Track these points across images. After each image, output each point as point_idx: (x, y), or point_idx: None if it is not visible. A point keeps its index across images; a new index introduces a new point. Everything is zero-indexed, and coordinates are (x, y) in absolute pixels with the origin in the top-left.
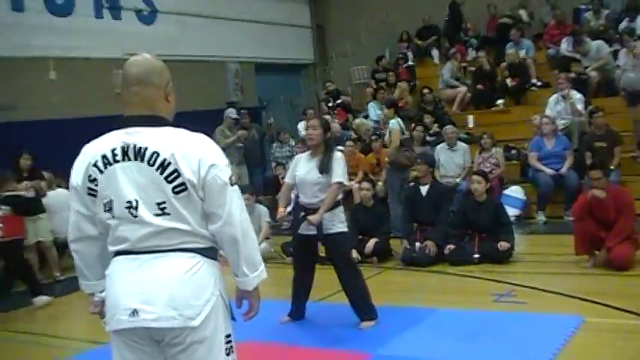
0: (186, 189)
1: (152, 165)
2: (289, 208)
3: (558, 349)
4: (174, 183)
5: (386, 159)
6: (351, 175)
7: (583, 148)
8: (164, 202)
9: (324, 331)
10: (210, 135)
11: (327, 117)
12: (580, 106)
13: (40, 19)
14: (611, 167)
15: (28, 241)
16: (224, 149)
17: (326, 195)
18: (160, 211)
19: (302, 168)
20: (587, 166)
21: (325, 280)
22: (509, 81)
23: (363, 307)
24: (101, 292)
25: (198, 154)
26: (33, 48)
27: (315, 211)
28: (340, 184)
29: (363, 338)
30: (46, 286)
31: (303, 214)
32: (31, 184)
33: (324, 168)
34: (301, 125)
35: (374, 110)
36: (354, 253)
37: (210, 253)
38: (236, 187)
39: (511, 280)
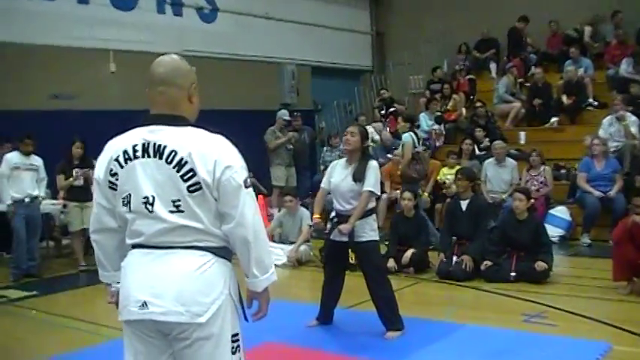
0: (200, 188)
1: (170, 163)
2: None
3: None
4: (190, 182)
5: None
6: (398, 184)
7: (634, 172)
8: (179, 200)
9: (349, 338)
10: (262, 134)
11: (378, 124)
12: (634, 129)
13: (104, 12)
14: None
15: (74, 227)
16: (274, 150)
17: (357, 203)
18: (174, 209)
19: (337, 175)
20: (636, 190)
21: (356, 287)
22: (565, 99)
23: (390, 316)
24: (118, 282)
25: (214, 154)
26: (95, 40)
27: (347, 218)
28: (371, 192)
29: (387, 348)
30: (90, 273)
31: (335, 220)
32: (81, 172)
33: (359, 176)
34: None
35: (425, 121)
36: (391, 262)
37: (222, 252)
38: (250, 189)
39: (545, 302)
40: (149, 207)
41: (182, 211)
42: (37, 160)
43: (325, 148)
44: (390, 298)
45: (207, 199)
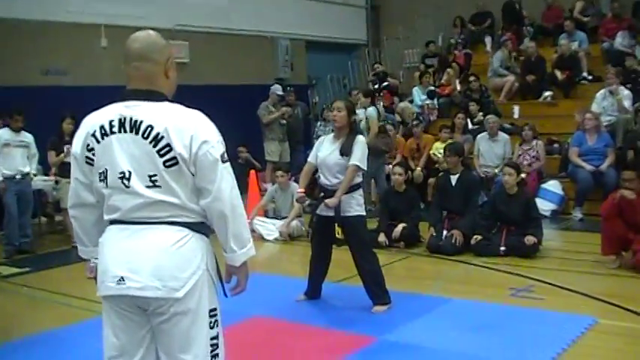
0: (177, 163)
1: (146, 138)
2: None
3: (563, 349)
4: (166, 157)
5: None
6: (391, 158)
7: (626, 146)
8: (155, 175)
9: (336, 312)
10: (256, 109)
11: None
12: (627, 103)
13: None
14: None
15: (66, 204)
16: (267, 125)
17: (344, 178)
18: (151, 183)
19: (325, 149)
20: (627, 164)
21: (344, 261)
22: (558, 73)
23: (376, 291)
24: (96, 258)
25: (191, 129)
26: (85, 14)
27: (333, 192)
28: (357, 167)
29: (373, 322)
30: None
31: (322, 194)
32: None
33: (346, 151)
34: None
35: (418, 95)
36: (382, 237)
37: (199, 227)
38: (228, 164)
39: (533, 276)
40: (125, 182)
41: (159, 186)
42: (27, 137)
43: (319, 123)
44: (376, 272)
45: (184, 174)
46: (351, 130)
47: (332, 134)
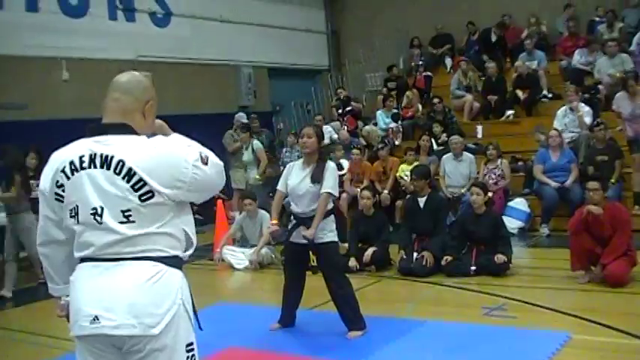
0: (153, 196)
1: (118, 174)
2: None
3: None
4: (141, 191)
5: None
6: (358, 182)
7: (586, 161)
8: (129, 210)
9: (312, 339)
10: (221, 138)
11: (336, 123)
12: (588, 120)
13: (54, 19)
14: (612, 181)
15: None
16: (233, 153)
17: (317, 206)
18: (124, 219)
19: (294, 177)
20: (589, 177)
21: (318, 288)
22: (519, 92)
23: (351, 316)
24: (67, 296)
25: (165, 160)
26: (46, 48)
27: (305, 220)
28: (329, 194)
29: (349, 348)
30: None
31: (294, 222)
32: (36, 184)
33: (317, 178)
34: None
35: (382, 118)
36: (353, 261)
37: (173, 261)
38: (208, 160)
39: (505, 294)
40: (98, 218)
41: (133, 222)
42: None
43: (284, 149)
44: (350, 297)
45: (162, 206)
46: (321, 156)
47: (300, 161)
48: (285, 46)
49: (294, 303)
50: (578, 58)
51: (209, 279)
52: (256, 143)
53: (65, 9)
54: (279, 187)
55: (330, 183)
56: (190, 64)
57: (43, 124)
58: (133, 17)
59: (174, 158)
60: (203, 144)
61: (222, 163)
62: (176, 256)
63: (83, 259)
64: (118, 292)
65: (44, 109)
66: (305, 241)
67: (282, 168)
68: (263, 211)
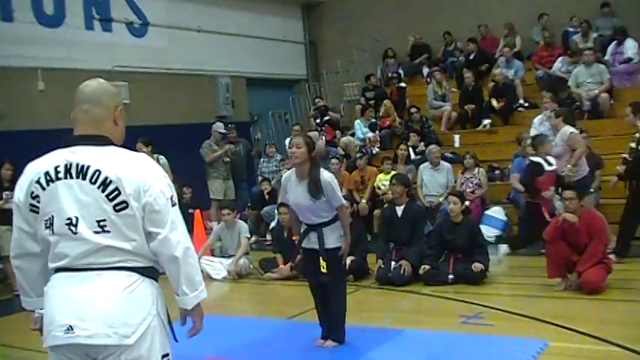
0: (127, 206)
1: (94, 183)
2: (273, 224)
3: None
4: (116, 201)
5: None
6: None
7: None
8: (104, 220)
9: (289, 350)
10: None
11: (314, 133)
12: None
13: (30, 29)
14: (591, 190)
15: (6, 251)
16: (211, 163)
17: (341, 221)
18: (99, 229)
19: (293, 193)
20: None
21: (297, 297)
22: (494, 102)
23: (335, 326)
24: (41, 308)
25: (139, 174)
26: (22, 58)
27: (316, 225)
28: (344, 204)
29: (326, 358)
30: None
31: (305, 228)
32: (11, 195)
33: (315, 194)
34: (288, 141)
35: (360, 128)
36: None
37: (149, 272)
38: (177, 207)
39: (482, 302)
40: (73, 228)
41: (108, 232)
42: None
43: (262, 159)
44: (342, 308)
45: (134, 218)
46: (313, 166)
47: (293, 172)
48: (263, 56)
49: (327, 313)
50: (559, 67)
51: None
52: (162, 158)
53: (41, 19)
54: (281, 199)
55: (337, 194)
56: (168, 74)
57: (18, 134)
58: (110, 27)
59: (151, 179)
60: (181, 154)
61: (184, 224)
62: (152, 267)
63: (58, 270)
64: (93, 301)
65: (20, 119)
66: (316, 247)
67: (260, 178)
68: (241, 222)
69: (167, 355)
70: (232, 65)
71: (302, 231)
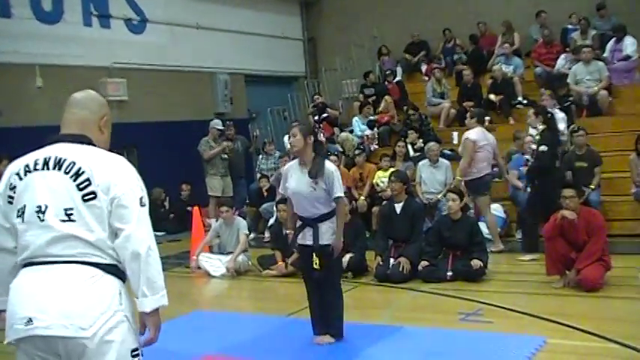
0: (95, 197)
1: (67, 173)
2: (271, 221)
3: None
4: (85, 191)
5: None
6: None
7: (563, 167)
8: (72, 209)
9: (286, 346)
10: (197, 145)
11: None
12: (562, 126)
13: (28, 25)
14: (591, 187)
15: None
16: (208, 160)
17: (337, 215)
18: (66, 217)
19: (294, 180)
20: (565, 183)
21: (293, 295)
22: (492, 97)
23: (332, 321)
24: None
25: (111, 171)
26: (20, 54)
27: (312, 220)
28: (341, 198)
29: (325, 355)
30: None
31: (300, 224)
32: None
33: (314, 174)
34: (287, 138)
35: (358, 125)
36: None
37: (111, 269)
38: (145, 208)
39: (481, 299)
40: (41, 215)
41: (74, 220)
42: None
43: (260, 156)
44: (339, 303)
45: (101, 210)
46: (315, 152)
47: (296, 161)
48: (262, 53)
49: (323, 311)
50: (562, 64)
51: (186, 287)
52: None
53: (39, 15)
54: (281, 189)
55: (337, 186)
56: (166, 70)
57: (16, 131)
58: (108, 24)
59: (123, 175)
60: (179, 150)
61: (151, 227)
62: (115, 265)
63: (24, 265)
64: (53, 293)
65: (18, 116)
66: (311, 243)
67: (258, 175)
68: (239, 218)
69: (136, 349)
70: (231, 62)
71: (297, 226)
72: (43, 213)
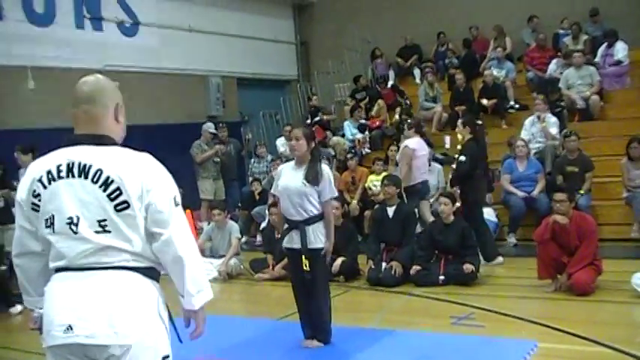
0: (128, 207)
1: (95, 182)
2: (264, 224)
3: None
4: (117, 201)
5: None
6: None
7: (555, 171)
8: (105, 220)
9: (278, 350)
10: (189, 148)
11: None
12: (554, 130)
13: (20, 27)
14: (582, 192)
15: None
16: (201, 163)
17: (325, 218)
18: (100, 229)
19: (286, 177)
20: (557, 187)
21: (283, 298)
22: (484, 102)
23: (322, 328)
24: (41, 308)
25: (142, 174)
26: (12, 56)
27: (297, 223)
28: (330, 200)
29: (315, 358)
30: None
31: (286, 227)
32: (0, 194)
33: (310, 178)
34: (279, 142)
35: (349, 129)
36: None
37: (150, 272)
38: (179, 207)
39: (473, 303)
40: (74, 227)
41: (109, 231)
42: None
43: (253, 160)
44: (326, 307)
45: (136, 218)
46: (313, 157)
47: (292, 162)
48: (254, 56)
49: (311, 314)
50: (554, 69)
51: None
52: None
53: (31, 17)
54: (273, 190)
55: (331, 188)
56: (158, 73)
57: (7, 133)
58: (101, 26)
59: (154, 179)
60: (171, 154)
61: (187, 224)
62: (153, 268)
63: (58, 270)
64: (93, 300)
65: (9, 118)
66: (298, 246)
67: (250, 178)
68: (232, 222)
69: (168, 356)
70: (223, 65)
71: (284, 229)
72: (76, 225)
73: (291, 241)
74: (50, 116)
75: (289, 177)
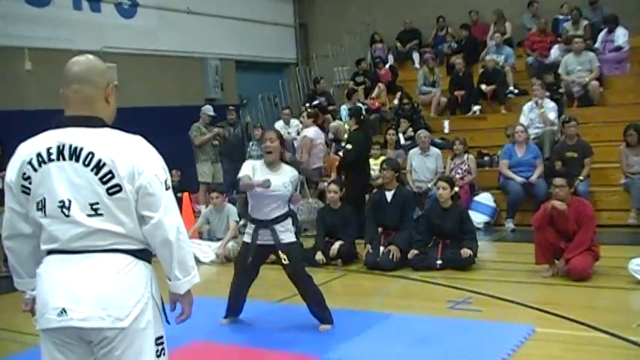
0: (120, 190)
1: (87, 165)
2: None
3: (503, 359)
4: (109, 184)
5: None
6: (325, 176)
7: (554, 157)
8: (97, 203)
9: (276, 333)
10: (187, 130)
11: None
12: (552, 115)
13: (17, 8)
14: (581, 178)
15: None
16: (199, 146)
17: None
18: (92, 212)
19: (263, 177)
20: (555, 172)
21: (282, 281)
22: (484, 87)
23: (322, 312)
24: (33, 290)
25: (133, 157)
26: (9, 37)
27: (266, 222)
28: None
29: (314, 341)
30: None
31: (254, 227)
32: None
33: (292, 180)
34: (278, 125)
35: (346, 113)
36: (319, 255)
37: (143, 254)
38: (170, 190)
39: (470, 288)
40: (65, 211)
41: (101, 215)
42: None
43: (251, 143)
44: (317, 294)
45: (128, 201)
46: (282, 158)
47: (261, 161)
48: (253, 38)
49: (245, 296)
50: (556, 54)
51: None
52: None
53: None
54: (240, 174)
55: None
56: (156, 55)
57: (5, 115)
58: (99, 7)
59: (145, 161)
60: (169, 136)
61: (177, 208)
62: (146, 249)
63: (50, 252)
64: (87, 284)
65: (6, 99)
66: (272, 242)
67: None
68: (230, 205)
69: (161, 337)
70: (222, 47)
71: (253, 230)
72: (68, 208)
73: (261, 238)
74: (47, 97)
75: (270, 178)
